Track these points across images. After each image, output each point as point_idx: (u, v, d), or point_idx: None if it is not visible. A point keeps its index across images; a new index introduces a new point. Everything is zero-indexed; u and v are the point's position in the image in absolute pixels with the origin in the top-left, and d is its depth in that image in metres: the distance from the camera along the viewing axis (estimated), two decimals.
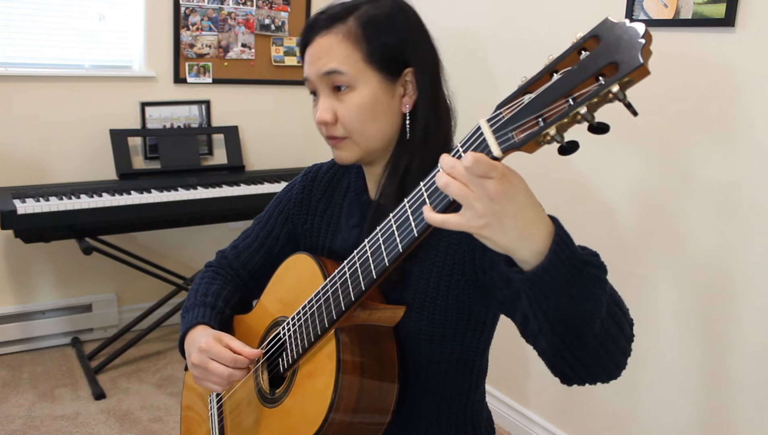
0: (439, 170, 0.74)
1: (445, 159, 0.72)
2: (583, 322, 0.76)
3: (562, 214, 1.00)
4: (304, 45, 1.04)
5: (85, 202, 2.53)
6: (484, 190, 0.68)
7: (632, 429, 2.07)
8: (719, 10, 1.71)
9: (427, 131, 1.02)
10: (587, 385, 0.84)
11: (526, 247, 0.72)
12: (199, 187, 2.79)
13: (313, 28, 1.01)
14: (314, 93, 1.04)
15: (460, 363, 1.03)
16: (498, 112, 0.71)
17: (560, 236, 0.73)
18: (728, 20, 1.70)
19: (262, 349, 1.10)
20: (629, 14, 1.91)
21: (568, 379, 0.84)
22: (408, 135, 1.02)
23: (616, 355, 0.81)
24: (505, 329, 1.15)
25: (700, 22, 1.76)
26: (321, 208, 1.17)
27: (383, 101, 1.00)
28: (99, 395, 2.63)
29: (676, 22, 1.81)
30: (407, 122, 1.02)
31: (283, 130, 3.41)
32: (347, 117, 0.99)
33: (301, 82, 3.39)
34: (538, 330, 0.80)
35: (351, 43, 0.98)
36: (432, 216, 0.74)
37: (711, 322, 1.84)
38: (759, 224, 1.70)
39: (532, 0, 2.26)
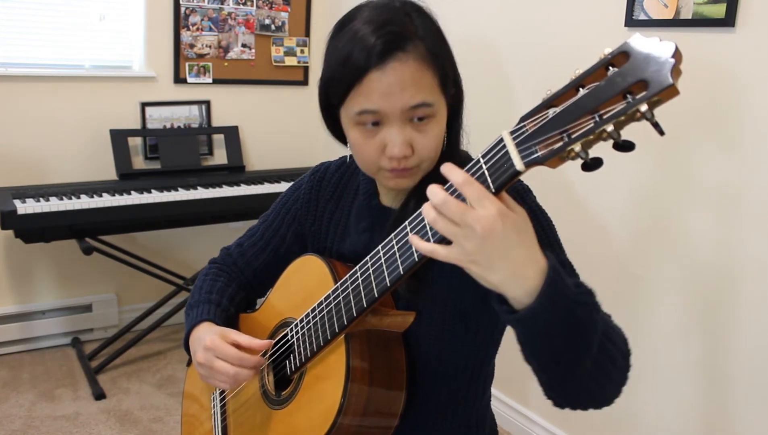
0: (450, 187, 0.73)
1: (435, 192, 0.70)
2: (572, 361, 0.76)
3: (561, 215, 1.00)
4: (367, 67, 0.86)
5: (85, 202, 2.53)
6: (473, 230, 0.68)
7: (632, 429, 2.07)
8: (719, 10, 1.71)
9: (458, 141, 0.99)
10: (579, 410, 0.84)
11: (517, 287, 0.71)
12: (199, 187, 2.79)
13: (376, 49, 0.86)
14: (373, 123, 0.90)
15: (468, 369, 1.03)
16: (521, 124, 0.69)
17: (552, 278, 0.71)
18: (728, 20, 1.70)
19: (269, 349, 1.10)
20: (629, 14, 1.91)
21: (559, 404, 0.84)
22: (446, 145, 0.97)
23: (607, 388, 0.82)
24: (507, 330, 1.15)
25: (700, 22, 1.76)
26: (329, 209, 1.14)
27: (445, 123, 0.94)
28: (99, 395, 2.63)
29: (676, 22, 1.81)
30: (445, 136, 0.96)
31: (283, 130, 3.41)
32: (427, 147, 0.90)
33: (301, 82, 3.41)
34: (528, 362, 0.81)
35: (430, 69, 0.88)
36: (421, 245, 0.74)
37: (711, 322, 1.84)
38: (759, 224, 1.70)
39: (535, 5, 2.26)
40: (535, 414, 2.40)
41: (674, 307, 1.92)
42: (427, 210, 0.72)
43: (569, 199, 2.18)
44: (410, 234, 0.78)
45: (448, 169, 0.72)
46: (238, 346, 1.01)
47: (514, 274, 0.70)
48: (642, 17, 1.89)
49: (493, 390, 2.67)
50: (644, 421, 2.03)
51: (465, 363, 1.02)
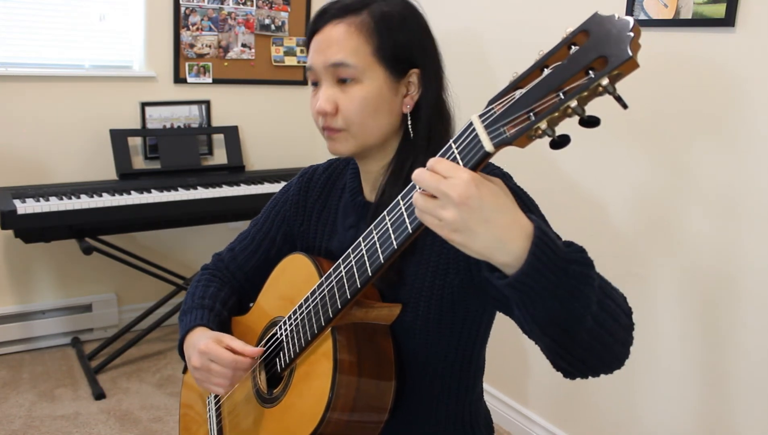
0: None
1: (415, 173, 0.74)
2: (573, 320, 0.76)
3: (562, 214, 1.01)
4: (312, 32, 1.01)
5: (85, 202, 2.53)
6: (448, 197, 0.69)
7: (632, 429, 2.07)
8: (719, 10, 1.71)
9: (430, 131, 1.01)
10: (590, 377, 0.83)
11: (503, 252, 0.71)
12: (199, 187, 2.79)
13: (324, 15, 1.00)
14: (315, 83, 1.02)
15: (456, 361, 1.03)
16: (490, 107, 0.72)
17: (539, 238, 0.71)
18: (728, 20, 1.70)
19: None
20: (629, 14, 1.91)
21: (568, 374, 0.83)
22: (411, 135, 1.02)
23: (614, 348, 0.81)
24: (504, 328, 1.15)
25: (700, 22, 1.76)
26: (317, 209, 1.16)
27: (386, 98, 0.99)
28: (99, 395, 2.63)
29: (676, 22, 1.81)
30: (409, 122, 1.02)
31: (283, 130, 3.41)
32: (349, 109, 0.98)
33: (301, 82, 3.41)
34: (530, 330, 0.81)
35: (363, 36, 0.97)
36: (417, 201, 0.74)
37: (710, 322, 1.84)
38: (759, 224, 1.70)
39: (535, 4, 2.26)
40: (535, 413, 2.40)
41: (674, 306, 1.92)
42: (414, 194, 0.75)
43: (569, 199, 2.18)
44: (403, 207, 0.80)
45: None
46: (232, 351, 1.02)
47: (498, 238, 0.70)
48: (642, 17, 1.89)
49: (492, 389, 2.67)
50: (644, 421, 2.03)
51: (454, 354, 1.02)
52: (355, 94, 0.97)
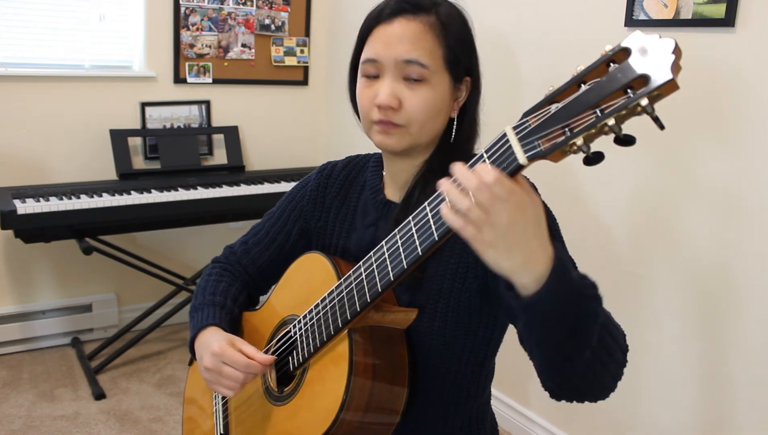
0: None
1: (468, 176, 0.69)
2: (573, 350, 0.78)
3: (562, 214, 1.01)
4: (378, 22, 0.98)
5: (85, 202, 2.53)
6: (499, 218, 0.69)
7: (632, 429, 2.07)
8: (719, 10, 1.72)
9: (469, 137, 1.03)
10: (575, 402, 0.85)
11: (527, 274, 0.73)
12: (199, 187, 2.79)
13: (395, 7, 0.97)
14: (371, 76, 0.99)
15: (469, 365, 1.03)
16: (524, 120, 0.71)
17: (557, 268, 0.73)
18: (728, 20, 1.70)
19: (271, 346, 1.10)
20: (629, 14, 1.92)
21: (555, 394, 0.86)
22: (453, 138, 1.02)
23: (604, 380, 0.83)
24: (508, 331, 1.15)
25: (700, 22, 1.76)
26: (335, 205, 1.15)
27: (447, 102, 1.00)
28: (99, 395, 2.63)
29: (676, 22, 1.82)
30: (454, 125, 1.02)
31: (283, 130, 3.41)
32: (414, 108, 0.96)
33: (301, 82, 3.41)
34: (530, 350, 0.83)
35: (436, 38, 0.96)
36: (451, 216, 0.72)
37: (710, 322, 1.84)
38: (759, 224, 1.70)
39: (534, 5, 2.26)
40: (536, 414, 2.40)
41: (675, 306, 1.92)
42: (454, 195, 0.70)
43: (570, 199, 2.18)
44: (444, 202, 0.76)
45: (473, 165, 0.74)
46: (244, 355, 1.02)
47: (526, 261, 0.72)
48: (642, 17, 1.89)
49: (494, 390, 2.66)
50: (644, 421, 2.03)
51: (468, 358, 1.02)
52: (423, 94, 0.96)
